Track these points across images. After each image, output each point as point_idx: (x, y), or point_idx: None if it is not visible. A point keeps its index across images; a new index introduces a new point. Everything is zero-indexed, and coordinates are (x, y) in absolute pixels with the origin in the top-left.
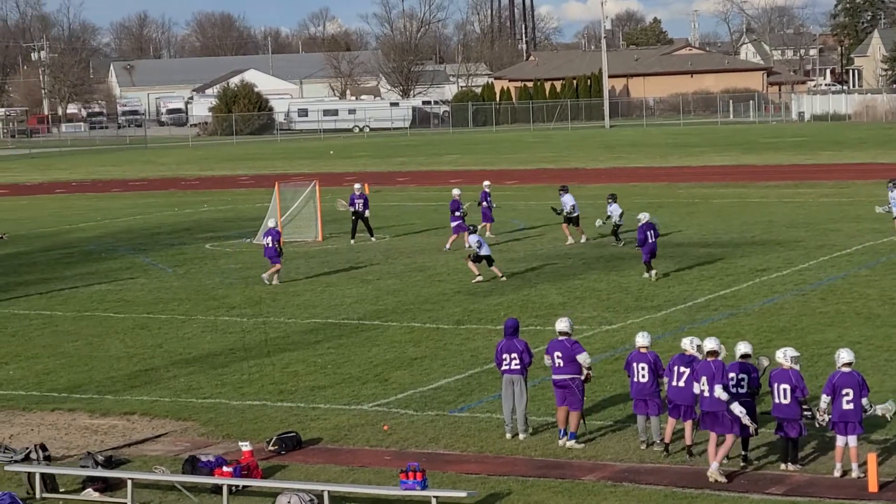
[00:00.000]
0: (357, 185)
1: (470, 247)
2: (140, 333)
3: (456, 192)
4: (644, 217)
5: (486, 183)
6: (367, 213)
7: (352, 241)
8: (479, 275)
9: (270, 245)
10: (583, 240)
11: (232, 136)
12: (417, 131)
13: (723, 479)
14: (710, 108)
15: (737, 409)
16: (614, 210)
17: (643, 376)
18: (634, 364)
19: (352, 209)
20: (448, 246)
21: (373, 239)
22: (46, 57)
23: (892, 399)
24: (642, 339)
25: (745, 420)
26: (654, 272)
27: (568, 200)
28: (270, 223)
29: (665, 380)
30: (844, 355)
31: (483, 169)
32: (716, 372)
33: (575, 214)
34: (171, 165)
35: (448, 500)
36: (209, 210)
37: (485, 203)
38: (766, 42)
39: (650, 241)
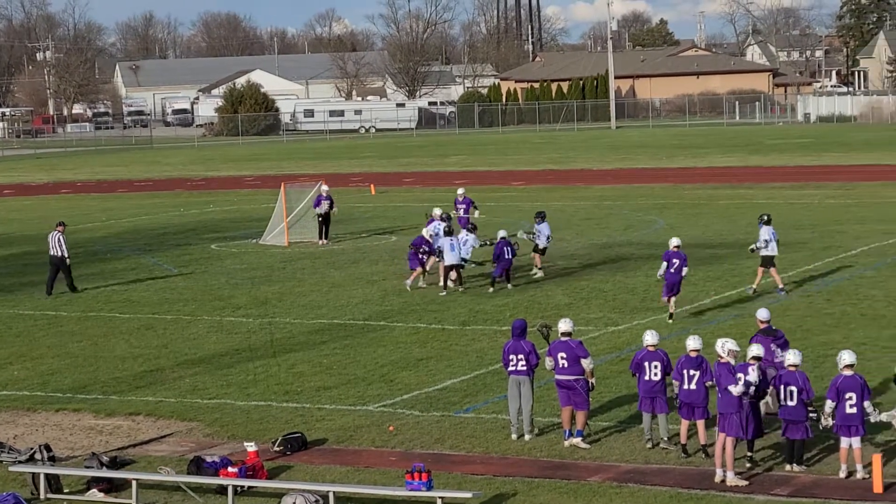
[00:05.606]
0: (324, 188)
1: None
2: (145, 334)
3: (437, 211)
4: (502, 234)
5: None
6: (334, 210)
7: (320, 242)
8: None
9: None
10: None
11: (238, 136)
12: (423, 132)
13: (744, 483)
14: (716, 109)
15: (736, 389)
16: (542, 230)
17: (655, 374)
18: (646, 363)
19: (317, 210)
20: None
21: (324, 241)
22: (52, 57)
23: None
24: (651, 338)
25: (750, 389)
26: (494, 287)
27: (544, 230)
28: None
29: (675, 382)
30: (846, 357)
31: (489, 170)
32: (729, 372)
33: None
34: (177, 166)
35: (453, 500)
36: (215, 210)
37: None
38: (772, 43)
39: (507, 257)
